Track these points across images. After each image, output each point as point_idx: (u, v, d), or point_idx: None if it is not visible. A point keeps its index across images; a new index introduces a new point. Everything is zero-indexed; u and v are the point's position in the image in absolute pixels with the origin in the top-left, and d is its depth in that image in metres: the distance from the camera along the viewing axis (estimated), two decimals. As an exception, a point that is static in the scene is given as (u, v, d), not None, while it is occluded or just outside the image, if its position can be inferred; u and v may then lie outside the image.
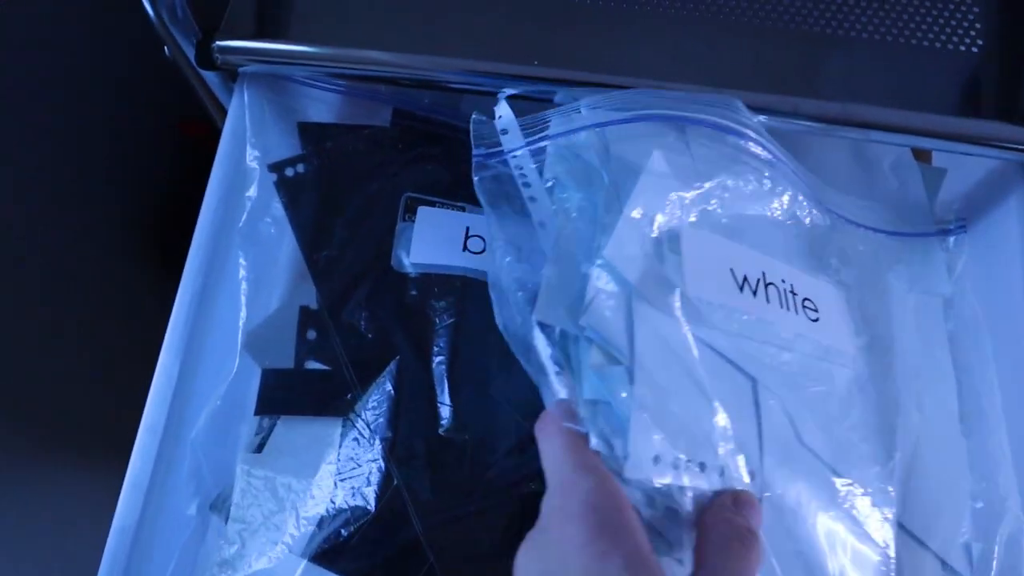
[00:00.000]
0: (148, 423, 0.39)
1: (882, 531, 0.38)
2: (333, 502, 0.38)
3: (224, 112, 0.44)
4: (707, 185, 0.39)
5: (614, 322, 0.34)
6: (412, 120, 0.46)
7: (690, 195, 0.39)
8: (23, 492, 0.85)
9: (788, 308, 0.39)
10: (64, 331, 0.90)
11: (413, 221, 0.43)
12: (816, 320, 0.40)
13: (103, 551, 0.37)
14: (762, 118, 0.42)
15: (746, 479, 0.34)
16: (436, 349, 0.40)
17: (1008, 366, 0.43)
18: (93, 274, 0.93)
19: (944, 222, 0.48)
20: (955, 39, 0.43)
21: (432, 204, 0.44)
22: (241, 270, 0.40)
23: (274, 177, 0.43)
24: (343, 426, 0.39)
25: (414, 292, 0.42)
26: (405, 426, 0.39)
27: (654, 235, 0.37)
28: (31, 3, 0.80)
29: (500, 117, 0.40)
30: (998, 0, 0.44)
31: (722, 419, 0.34)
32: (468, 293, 0.42)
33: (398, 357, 0.40)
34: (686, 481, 0.33)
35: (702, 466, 0.33)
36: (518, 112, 0.41)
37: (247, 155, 0.42)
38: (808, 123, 0.42)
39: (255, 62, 0.42)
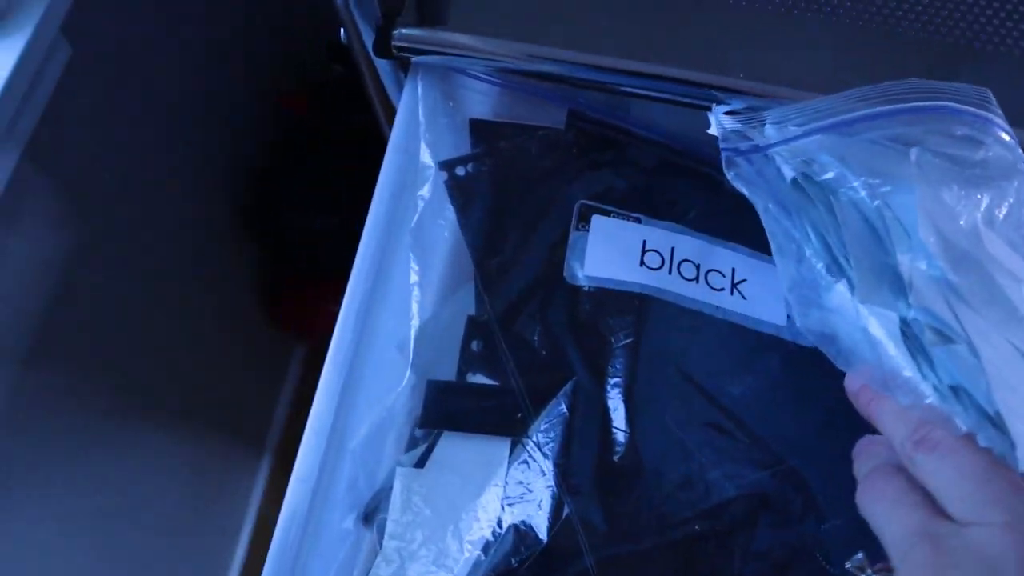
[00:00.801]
0: (314, 427, 0.37)
1: None
2: (500, 527, 0.36)
3: (388, 102, 0.42)
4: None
5: (938, 302, 0.30)
6: (587, 123, 0.43)
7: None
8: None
9: None
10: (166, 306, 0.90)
11: (587, 231, 0.41)
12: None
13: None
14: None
15: None
16: (612, 370, 0.38)
17: None
18: (191, 248, 0.92)
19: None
20: None
21: (607, 213, 0.41)
22: (413, 274, 0.38)
23: (444, 176, 0.40)
24: (512, 446, 0.37)
25: (588, 307, 0.39)
26: (578, 451, 0.37)
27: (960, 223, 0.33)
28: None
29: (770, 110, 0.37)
30: None
31: None
32: (646, 313, 0.39)
33: (574, 377, 0.38)
34: None
35: None
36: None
37: (421, 152, 0.40)
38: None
39: (433, 53, 0.39)
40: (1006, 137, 0.34)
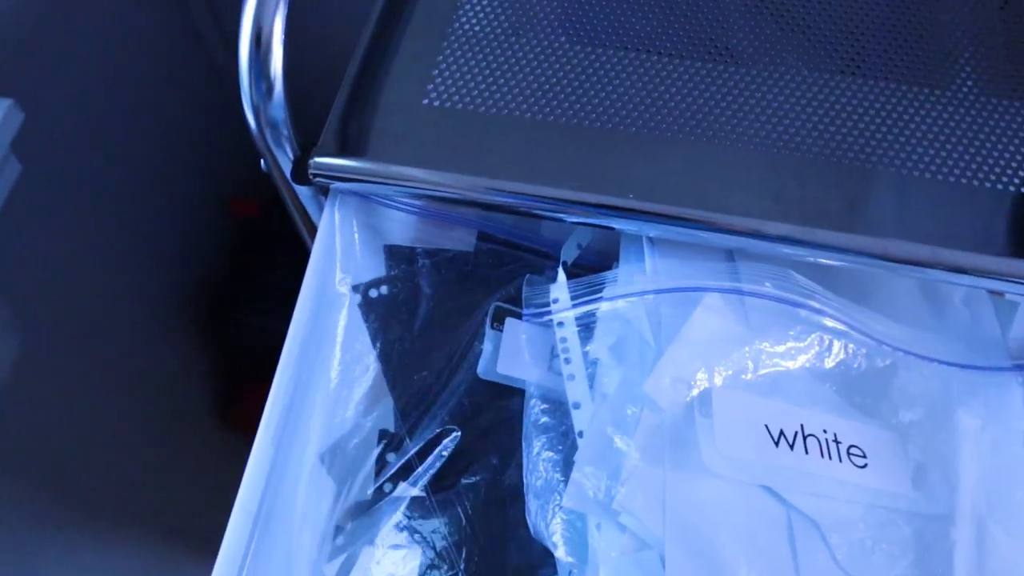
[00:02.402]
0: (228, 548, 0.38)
1: None
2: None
3: (311, 223, 0.45)
4: (745, 349, 0.41)
5: (647, 500, 0.36)
6: (496, 243, 0.47)
7: (726, 359, 0.41)
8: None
9: (831, 457, 0.40)
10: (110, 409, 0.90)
11: (501, 331, 0.43)
12: (864, 466, 0.41)
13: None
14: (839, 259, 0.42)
15: None
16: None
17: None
18: (142, 352, 0.94)
19: (1021, 357, 0.48)
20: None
21: (520, 316, 0.44)
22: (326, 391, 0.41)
23: (358, 299, 0.43)
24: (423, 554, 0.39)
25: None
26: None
27: (687, 399, 0.39)
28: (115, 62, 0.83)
29: (557, 283, 0.43)
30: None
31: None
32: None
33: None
34: None
35: None
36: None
37: (336, 279, 0.43)
38: (894, 265, 0.42)
39: (350, 180, 0.42)
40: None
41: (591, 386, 0.41)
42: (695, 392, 0.40)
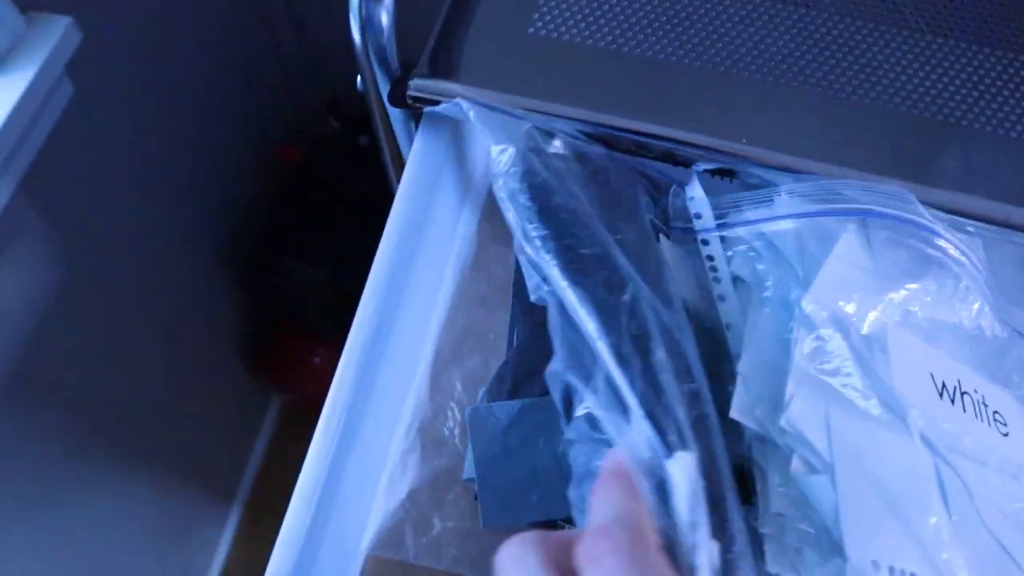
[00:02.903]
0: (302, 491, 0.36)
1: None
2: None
3: (398, 152, 0.43)
4: (911, 286, 0.39)
5: (813, 421, 0.34)
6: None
7: (893, 295, 0.38)
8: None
9: (982, 419, 0.38)
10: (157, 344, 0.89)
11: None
12: (1006, 435, 0.38)
13: None
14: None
15: None
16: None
17: None
18: (176, 294, 0.92)
19: None
20: None
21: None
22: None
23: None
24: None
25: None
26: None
27: (861, 330, 0.37)
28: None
29: (692, 199, 0.41)
30: None
31: (924, 532, 0.33)
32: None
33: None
34: None
35: None
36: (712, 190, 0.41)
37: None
38: (1008, 232, 0.40)
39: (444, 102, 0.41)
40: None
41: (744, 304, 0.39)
42: (865, 325, 0.37)
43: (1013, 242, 0.42)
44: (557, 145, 0.39)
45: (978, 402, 0.38)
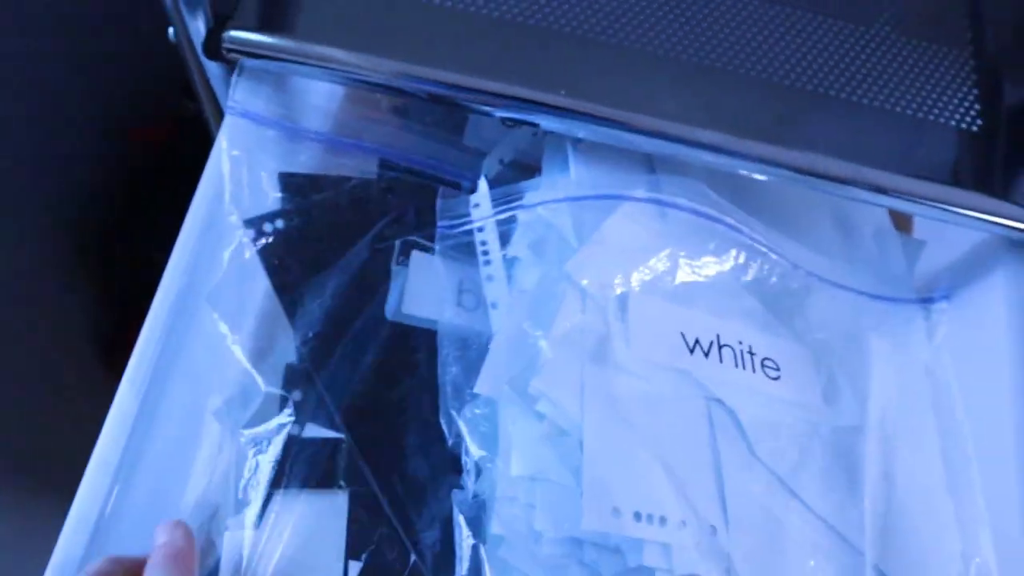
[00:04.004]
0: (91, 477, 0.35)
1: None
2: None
3: (219, 110, 0.42)
4: (663, 256, 0.42)
5: (565, 388, 0.36)
6: (399, 171, 0.44)
7: (643, 265, 0.41)
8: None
9: (744, 367, 0.41)
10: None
11: (407, 266, 0.41)
12: (777, 378, 0.41)
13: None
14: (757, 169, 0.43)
15: (707, 532, 0.35)
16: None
17: (987, 436, 0.43)
18: (17, 275, 0.87)
19: (926, 291, 0.49)
20: (956, 116, 0.44)
21: (427, 250, 0.42)
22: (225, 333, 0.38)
23: (252, 233, 0.40)
24: (351, 498, 0.36)
25: (406, 342, 0.40)
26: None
27: (602, 302, 0.39)
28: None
29: (477, 192, 0.42)
30: (995, 82, 0.46)
31: (678, 474, 0.36)
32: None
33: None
34: (648, 535, 0.34)
35: (662, 520, 0.34)
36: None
37: (226, 208, 0.39)
38: (819, 180, 0.42)
39: (264, 57, 0.40)
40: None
41: (509, 285, 0.40)
42: (613, 294, 0.39)
43: (854, 199, 0.44)
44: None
45: (742, 352, 0.41)
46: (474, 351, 0.38)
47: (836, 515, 0.39)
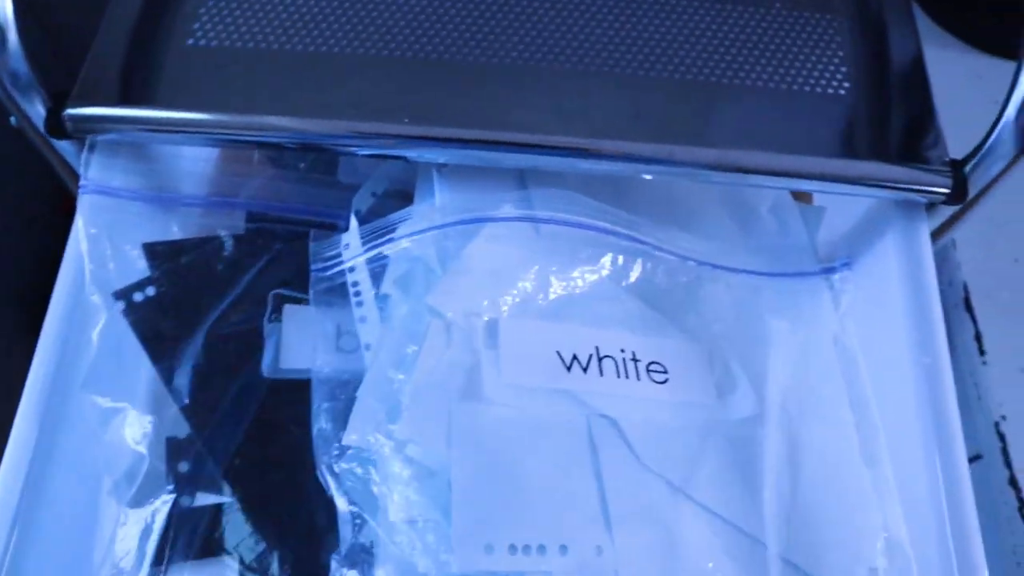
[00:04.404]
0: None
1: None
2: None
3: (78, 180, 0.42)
4: (532, 275, 0.41)
5: (432, 429, 0.36)
6: (268, 222, 0.44)
7: (512, 287, 0.41)
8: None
9: (628, 376, 0.40)
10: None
11: (280, 321, 0.41)
12: (664, 381, 0.41)
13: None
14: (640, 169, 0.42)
15: (592, 553, 0.35)
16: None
17: (892, 403, 0.43)
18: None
19: (829, 260, 0.49)
20: (823, 82, 0.44)
21: (300, 301, 0.42)
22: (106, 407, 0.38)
23: (121, 305, 0.40)
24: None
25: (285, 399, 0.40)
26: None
27: (469, 332, 0.39)
28: None
29: (348, 231, 0.42)
30: (861, 45, 0.45)
31: (556, 499, 0.36)
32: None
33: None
34: (526, 566, 0.33)
35: (541, 549, 0.34)
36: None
37: (87, 287, 0.39)
38: (685, 170, 0.42)
39: (109, 130, 0.40)
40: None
41: (383, 324, 0.40)
42: (481, 322, 0.39)
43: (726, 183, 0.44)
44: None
45: (624, 360, 0.40)
46: (343, 401, 0.38)
47: (737, 511, 0.39)
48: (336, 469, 0.36)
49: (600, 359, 0.40)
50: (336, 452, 0.36)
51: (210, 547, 0.36)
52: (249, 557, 0.36)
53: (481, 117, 0.40)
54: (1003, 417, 0.47)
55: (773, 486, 0.40)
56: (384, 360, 0.38)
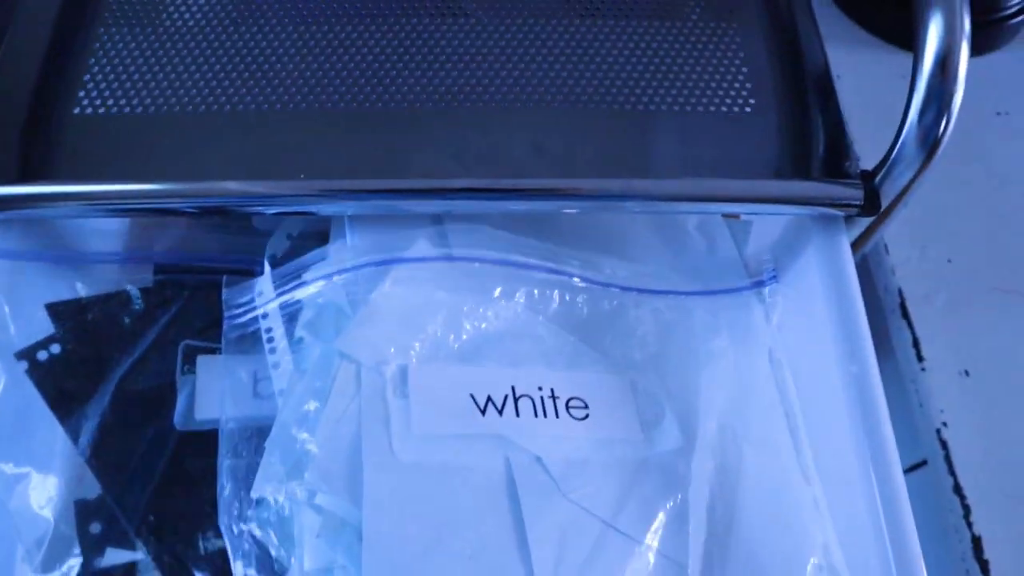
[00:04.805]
0: None
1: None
2: None
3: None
4: (441, 317, 0.40)
5: (343, 477, 0.35)
6: (176, 271, 0.44)
7: (422, 332, 0.40)
8: None
9: (546, 415, 0.39)
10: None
11: (194, 373, 0.41)
12: (585, 417, 0.40)
13: None
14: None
15: None
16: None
17: (821, 416, 0.42)
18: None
19: (758, 274, 0.48)
20: (728, 101, 0.43)
21: (213, 351, 0.41)
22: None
23: (24, 365, 0.39)
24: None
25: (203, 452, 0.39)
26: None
27: (379, 379, 0.38)
28: None
29: (260, 278, 0.42)
30: (764, 59, 0.44)
31: (472, 542, 0.35)
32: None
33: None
34: None
35: None
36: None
37: None
38: (591, 203, 0.41)
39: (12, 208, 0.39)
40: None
41: (295, 369, 0.40)
42: (390, 370, 0.38)
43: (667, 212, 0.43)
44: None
45: (542, 399, 0.39)
46: (245, 458, 0.37)
47: (666, 541, 0.38)
48: (235, 530, 0.36)
49: (516, 399, 0.39)
50: (236, 513, 0.36)
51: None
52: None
53: (383, 165, 0.40)
54: (944, 424, 0.46)
55: (703, 513, 0.39)
56: (288, 416, 0.37)
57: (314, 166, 0.39)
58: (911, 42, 0.38)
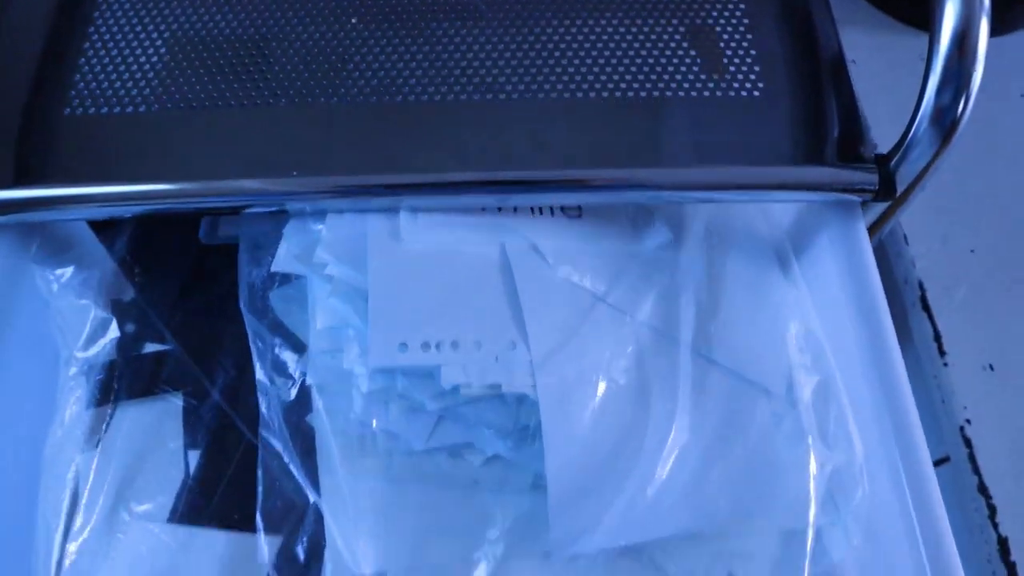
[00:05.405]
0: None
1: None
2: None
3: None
4: None
5: (350, 252, 0.38)
6: None
7: None
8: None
9: (542, 213, 0.41)
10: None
11: None
12: (579, 216, 0.41)
13: None
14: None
15: (506, 347, 0.36)
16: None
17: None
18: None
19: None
20: (736, 85, 0.41)
21: None
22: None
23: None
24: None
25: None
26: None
27: None
28: None
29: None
30: (775, 42, 0.42)
31: (471, 304, 0.38)
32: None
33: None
34: (439, 360, 0.36)
35: (455, 345, 0.36)
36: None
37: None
38: (600, 194, 0.40)
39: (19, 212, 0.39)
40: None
41: None
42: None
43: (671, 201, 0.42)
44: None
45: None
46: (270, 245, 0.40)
47: (655, 317, 0.39)
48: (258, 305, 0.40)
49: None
50: (259, 292, 0.40)
51: (155, 386, 0.41)
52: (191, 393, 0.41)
53: (383, 162, 0.39)
54: (967, 421, 0.44)
55: (691, 295, 0.40)
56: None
57: (309, 163, 0.38)
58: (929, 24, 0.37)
